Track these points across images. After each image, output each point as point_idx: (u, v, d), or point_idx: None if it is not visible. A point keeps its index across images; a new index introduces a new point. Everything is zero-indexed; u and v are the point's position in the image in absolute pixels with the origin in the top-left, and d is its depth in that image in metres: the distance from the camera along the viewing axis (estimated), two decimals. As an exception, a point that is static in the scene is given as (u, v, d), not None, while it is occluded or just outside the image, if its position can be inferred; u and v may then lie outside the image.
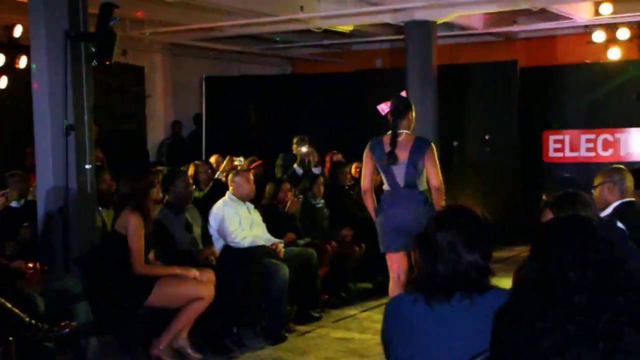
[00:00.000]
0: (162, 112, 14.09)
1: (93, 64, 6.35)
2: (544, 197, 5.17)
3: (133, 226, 5.51)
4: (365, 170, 6.03)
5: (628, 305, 2.22)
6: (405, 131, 5.88)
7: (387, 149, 5.81)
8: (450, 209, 3.03)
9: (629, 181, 4.86)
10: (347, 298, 7.90)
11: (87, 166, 6.27)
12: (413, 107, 6.05)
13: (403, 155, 5.78)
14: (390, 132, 5.90)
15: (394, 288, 5.93)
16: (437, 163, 5.82)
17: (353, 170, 9.25)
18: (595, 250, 2.28)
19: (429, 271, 2.69)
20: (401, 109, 5.94)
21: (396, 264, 5.98)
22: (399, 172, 5.81)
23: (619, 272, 2.25)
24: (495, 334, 2.43)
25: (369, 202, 6.04)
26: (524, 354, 2.28)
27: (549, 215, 3.31)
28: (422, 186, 5.87)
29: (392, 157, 5.77)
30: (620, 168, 5.08)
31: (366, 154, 5.99)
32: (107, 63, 6.39)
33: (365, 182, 6.04)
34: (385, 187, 5.98)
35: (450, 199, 10.79)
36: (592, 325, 2.20)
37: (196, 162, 8.15)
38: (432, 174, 5.77)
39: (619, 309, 2.21)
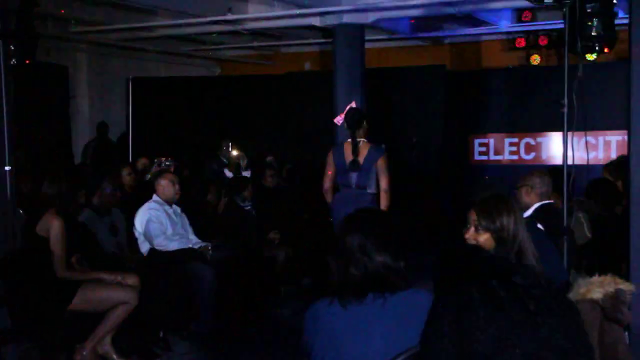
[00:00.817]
0: (87, 113, 13.80)
1: (12, 62, 6.17)
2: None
3: (56, 229, 5.38)
4: (327, 173, 6.69)
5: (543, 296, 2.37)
6: (362, 140, 6.55)
7: (350, 157, 6.51)
8: (359, 211, 3.08)
9: (548, 184, 5.02)
10: (275, 300, 7.88)
11: (6, 168, 6.09)
12: (366, 116, 6.70)
13: (360, 161, 6.49)
14: (350, 140, 6.57)
15: None
16: (387, 169, 6.51)
17: (285, 173, 9.26)
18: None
19: (342, 273, 2.73)
20: (356, 119, 6.62)
21: None
22: (353, 176, 6.50)
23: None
24: (431, 328, 2.48)
25: (329, 199, 6.74)
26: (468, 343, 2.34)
27: (473, 215, 3.37)
28: (371, 188, 6.52)
29: (355, 164, 6.48)
30: (540, 172, 5.23)
31: (329, 158, 6.66)
32: (28, 62, 6.22)
33: (326, 183, 6.72)
34: (339, 188, 6.66)
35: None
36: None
37: (121, 164, 8.02)
38: (383, 179, 6.48)
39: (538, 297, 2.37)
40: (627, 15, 4.58)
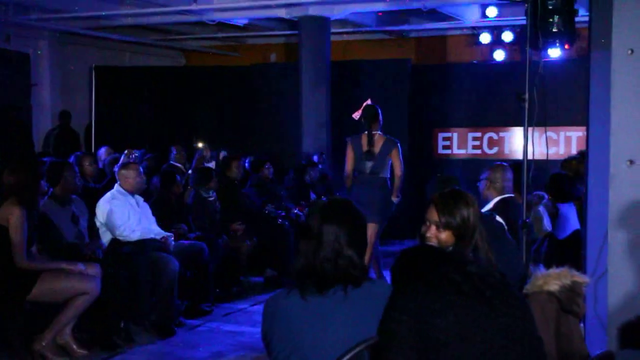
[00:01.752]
0: (49, 102, 13.61)
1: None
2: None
3: (16, 218, 5.31)
4: (347, 160, 7.63)
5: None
6: (377, 132, 7.51)
7: (365, 147, 7.47)
8: (338, 202, 3.09)
9: (508, 178, 5.08)
10: (238, 292, 7.89)
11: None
12: (380, 111, 7.59)
13: (375, 151, 7.45)
14: (366, 132, 7.50)
15: None
16: (400, 158, 7.47)
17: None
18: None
19: (309, 261, 2.74)
20: (372, 114, 7.53)
21: None
22: (369, 163, 7.47)
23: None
24: (389, 316, 2.51)
25: (349, 184, 7.66)
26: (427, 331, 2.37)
27: (433, 213, 3.36)
28: (383, 174, 7.51)
29: (370, 154, 7.45)
30: (501, 166, 5.30)
31: (349, 148, 7.62)
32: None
33: (347, 168, 7.65)
34: (355, 173, 7.61)
35: (343, 193, 11.01)
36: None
37: (81, 153, 7.95)
38: (397, 166, 7.50)
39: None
40: (587, 13, 4.66)
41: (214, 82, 13.04)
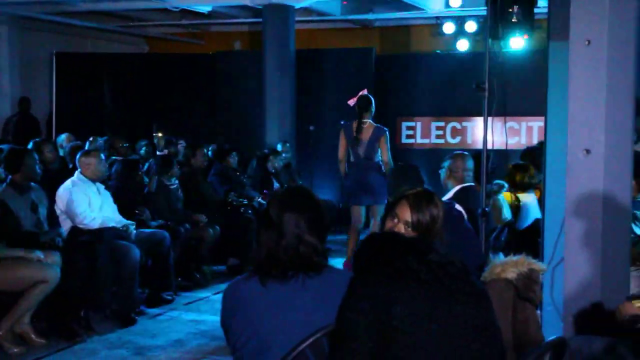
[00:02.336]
0: (8, 88, 13.38)
1: None
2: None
3: (-28, 206, 5.24)
4: (340, 146, 8.12)
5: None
6: (368, 120, 8.02)
7: (354, 134, 7.94)
8: (297, 190, 3.09)
9: (469, 167, 5.13)
10: (200, 280, 7.86)
11: None
12: (373, 101, 8.07)
13: (365, 137, 7.93)
14: (357, 119, 8.00)
15: (352, 234, 8.06)
16: (387, 145, 7.97)
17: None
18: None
19: (270, 249, 2.74)
20: (365, 104, 8.03)
21: (355, 215, 8.04)
22: (362, 149, 7.94)
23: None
24: (347, 303, 2.52)
25: (342, 168, 8.17)
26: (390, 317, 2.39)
27: (406, 212, 3.33)
28: (377, 159, 8.00)
29: (357, 140, 7.93)
30: (462, 155, 5.34)
31: (341, 134, 8.11)
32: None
33: (340, 154, 8.13)
34: (351, 158, 8.06)
35: (307, 181, 11.02)
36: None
37: (41, 140, 7.84)
38: (385, 153, 7.98)
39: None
40: (546, 4, 4.70)
41: (177, 69, 12.94)
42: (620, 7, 4.10)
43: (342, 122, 8.30)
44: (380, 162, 8.05)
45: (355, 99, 8.17)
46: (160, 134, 9.45)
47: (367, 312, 2.44)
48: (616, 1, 4.09)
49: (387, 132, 8.07)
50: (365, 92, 8.21)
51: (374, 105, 8.10)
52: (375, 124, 8.08)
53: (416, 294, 2.42)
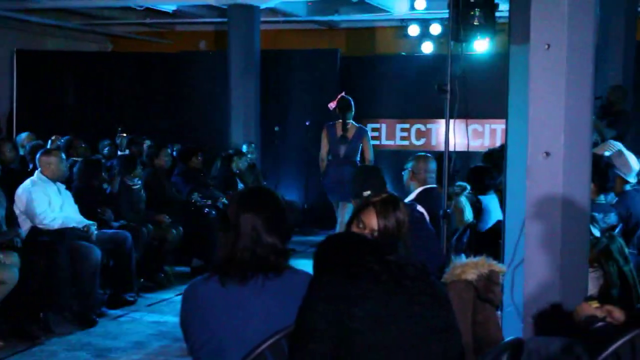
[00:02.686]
0: (-33, 86, 13.14)
1: None
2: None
3: None
4: (323, 146, 8.55)
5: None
6: (350, 122, 8.43)
7: (340, 133, 8.35)
8: (255, 190, 3.09)
9: (431, 170, 5.15)
10: (163, 281, 7.81)
11: None
12: (352, 103, 8.46)
13: (349, 137, 8.36)
14: (340, 120, 8.38)
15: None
16: (370, 144, 8.53)
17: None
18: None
19: (229, 250, 2.72)
20: (346, 105, 8.42)
21: (339, 211, 8.34)
22: (343, 148, 8.35)
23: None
24: (306, 305, 2.51)
25: (323, 166, 8.53)
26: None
27: (372, 218, 3.30)
28: (354, 158, 8.39)
29: (344, 139, 8.31)
30: (425, 157, 5.37)
31: (324, 134, 8.53)
32: None
33: (322, 152, 8.55)
34: (329, 157, 8.52)
35: (272, 182, 10.99)
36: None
37: (0, 139, 7.73)
38: (367, 152, 8.48)
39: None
40: (507, 7, 4.74)
41: (141, 68, 12.83)
42: (579, 12, 4.16)
43: (325, 125, 8.65)
44: (358, 162, 8.42)
45: (334, 102, 8.58)
46: (124, 134, 9.32)
47: (326, 313, 2.44)
48: (575, 6, 4.14)
49: (368, 132, 8.74)
50: (343, 94, 8.65)
51: (353, 106, 8.47)
52: (356, 125, 8.53)
53: (375, 296, 2.43)
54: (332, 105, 8.62)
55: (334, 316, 2.42)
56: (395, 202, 3.33)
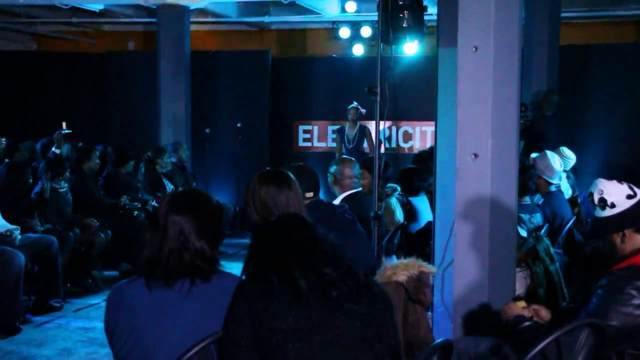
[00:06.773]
0: None
1: None
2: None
3: None
4: (338, 149, 10.45)
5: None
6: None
7: (351, 131, 10.31)
8: (188, 193, 3.02)
9: (355, 175, 5.16)
10: (91, 286, 7.64)
11: None
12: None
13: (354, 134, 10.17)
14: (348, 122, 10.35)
15: None
16: (373, 138, 9.63)
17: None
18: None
19: (155, 252, 2.65)
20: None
21: None
22: (351, 143, 10.27)
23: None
24: (231, 314, 2.47)
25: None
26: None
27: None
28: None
29: (353, 137, 10.21)
30: (348, 161, 5.38)
31: (338, 133, 10.62)
32: None
33: (339, 154, 9.98)
34: (343, 150, 10.21)
35: (202, 184, 10.88)
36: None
37: None
38: (370, 146, 10.02)
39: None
40: (436, 11, 4.79)
41: (67, 68, 12.54)
42: (505, 15, 4.23)
43: (336, 128, 10.63)
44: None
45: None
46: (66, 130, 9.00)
47: (247, 324, 2.41)
48: (501, 9, 4.21)
49: (368, 128, 10.36)
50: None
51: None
52: (359, 123, 10.44)
53: (298, 309, 2.40)
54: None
55: (255, 328, 2.39)
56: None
